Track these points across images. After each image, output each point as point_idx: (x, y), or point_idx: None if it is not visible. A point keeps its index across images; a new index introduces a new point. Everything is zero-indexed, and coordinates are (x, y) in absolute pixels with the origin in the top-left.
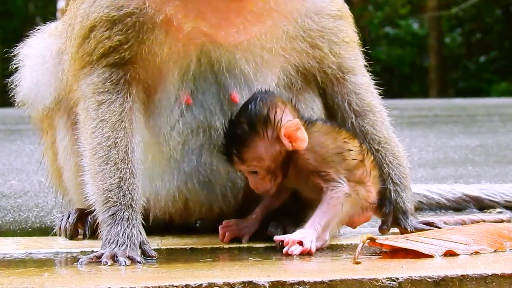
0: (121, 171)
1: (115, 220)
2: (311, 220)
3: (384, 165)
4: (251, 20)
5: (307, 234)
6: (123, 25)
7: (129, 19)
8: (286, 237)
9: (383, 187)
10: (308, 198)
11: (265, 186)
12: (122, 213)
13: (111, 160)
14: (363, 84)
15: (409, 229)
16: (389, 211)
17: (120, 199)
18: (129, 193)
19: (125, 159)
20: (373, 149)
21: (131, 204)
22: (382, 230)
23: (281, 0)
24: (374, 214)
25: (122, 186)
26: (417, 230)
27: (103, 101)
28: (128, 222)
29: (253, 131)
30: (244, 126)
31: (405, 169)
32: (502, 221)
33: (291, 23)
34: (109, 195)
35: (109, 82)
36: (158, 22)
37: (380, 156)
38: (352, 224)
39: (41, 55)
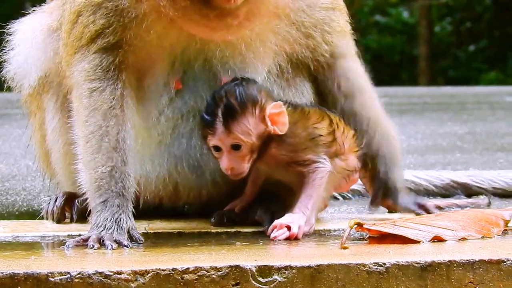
0: (112, 160)
1: (106, 206)
2: (297, 204)
3: (373, 144)
4: (241, 23)
5: (295, 219)
6: (105, 9)
7: (110, 3)
8: (275, 222)
9: (362, 151)
10: (287, 183)
11: (242, 166)
12: (113, 200)
13: (103, 149)
14: (352, 68)
15: (398, 206)
16: (379, 189)
17: (111, 187)
18: (121, 182)
19: (116, 147)
20: (362, 130)
21: (122, 192)
22: (372, 206)
23: (272, 3)
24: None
25: (114, 174)
26: (407, 209)
27: (94, 88)
28: (118, 208)
29: (244, 106)
30: (234, 101)
31: (395, 148)
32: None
33: (283, 21)
34: (101, 183)
35: (99, 69)
36: (134, 15)
37: (369, 136)
38: (338, 191)
39: (31, 30)
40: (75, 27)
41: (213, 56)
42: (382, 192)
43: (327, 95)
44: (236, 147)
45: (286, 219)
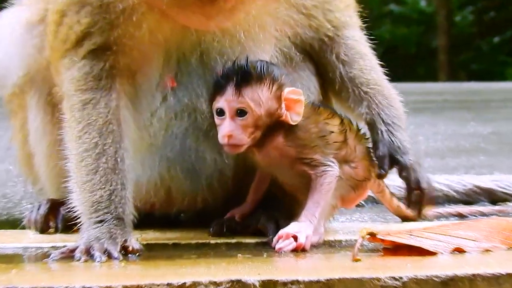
0: (111, 183)
1: (103, 225)
2: (304, 212)
3: (373, 106)
4: (234, 6)
5: (303, 228)
6: (90, 6)
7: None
8: (280, 232)
9: (372, 161)
10: (290, 188)
11: (241, 137)
12: (111, 221)
13: (101, 170)
14: (354, 36)
15: (408, 164)
16: (383, 153)
17: (111, 210)
18: (121, 207)
19: (115, 169)
20: (362, 92)
21: (122, 217)
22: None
23: None
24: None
25: (113, 199)
26: (412, 169)
27: (87, 100)
28: (116, 226)
29: (261, 77)
30: (253, 70)
31: (397, 111)
32: None
33: (282, 4)
34: (99, 207)
35: (91, 78)
36: (121, 9)
37: (369, 98)
38: (345, 204)
39: (9, 24)
40: (60, 29)
41: (210, 48)
42: (389, 156)
43: (325, 65)
44: (241, 114)
45: (292, 228)
